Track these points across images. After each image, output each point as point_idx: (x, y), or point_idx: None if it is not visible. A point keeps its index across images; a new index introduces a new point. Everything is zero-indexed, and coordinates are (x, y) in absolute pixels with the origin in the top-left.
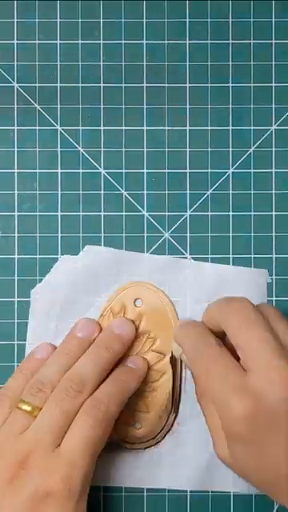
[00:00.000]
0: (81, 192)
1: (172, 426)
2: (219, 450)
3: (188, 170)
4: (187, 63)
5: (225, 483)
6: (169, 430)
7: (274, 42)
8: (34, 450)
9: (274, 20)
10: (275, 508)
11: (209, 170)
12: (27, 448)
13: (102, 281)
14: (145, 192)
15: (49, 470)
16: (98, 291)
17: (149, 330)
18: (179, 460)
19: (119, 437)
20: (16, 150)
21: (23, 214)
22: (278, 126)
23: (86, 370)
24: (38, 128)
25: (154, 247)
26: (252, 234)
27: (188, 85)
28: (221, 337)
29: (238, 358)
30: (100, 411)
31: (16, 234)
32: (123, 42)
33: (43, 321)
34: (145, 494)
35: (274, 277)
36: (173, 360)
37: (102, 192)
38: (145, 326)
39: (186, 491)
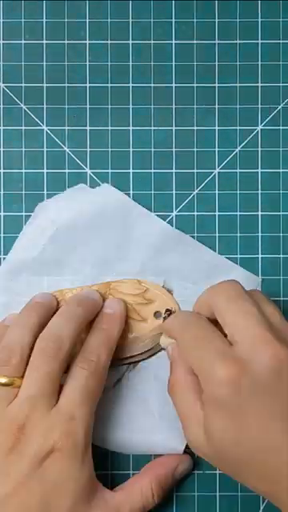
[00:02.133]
0: None
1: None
2: (191, 436)
3: (174, 170)
4: (173, 63)
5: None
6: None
7: (260, 42)
8: (28, 414)
9: (260, 20)
10: (261, 508)
11: (195, 170)
12: (22, 414)
13: (104, 221)
14: (131, 192)
15: (48, 429)
16: (97, 229)
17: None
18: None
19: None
20: (2, 150)
21: (9, 214)
22: (264, 126)
23: (60, 328)
24: (23, 128)
25: None
26: (238, 235)
27: (174, 85)
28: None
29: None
30: (92, 361)
31: (2, 235)
32: (109, 42)
33: (37, 234)
34: None
35: (260, 277)
36: None
37: None
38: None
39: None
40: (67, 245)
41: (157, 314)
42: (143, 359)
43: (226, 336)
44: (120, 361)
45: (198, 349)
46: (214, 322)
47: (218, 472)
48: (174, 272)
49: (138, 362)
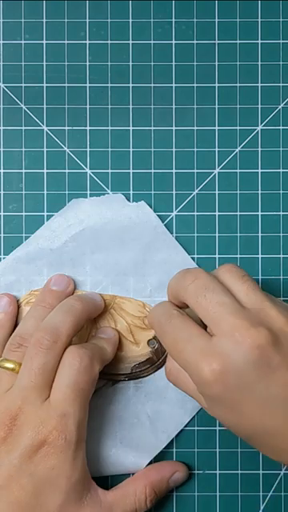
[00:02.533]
0: (67, 192)
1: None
2: (205, 407)
3: (174, 170)
4: (173, 63)
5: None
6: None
7: (260, 42)
8: (21, 406)
9: (260, 20)
10: (261, 508)
11: (195, 170)
12: (15, 405)
13: (129, 233)
14: (131, 192)
15: (41, 423)
16: (122, 241)
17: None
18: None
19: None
20: (2, 150)
21: (9, 214)
22: (264, 126)
23: (58, 321)
24: (23, 128)
25: None
26: (238, 234)
27: (174, 85)
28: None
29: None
30: (85, 356)
31: (2, 235)
32: (109, 42)
33: (60, 229)
34: None
35: (259, 277)
36: None
37: (88, 192)
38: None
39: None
40: (87, 248)
41: (150, 342)
42: (122, 380)
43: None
44: (102, 374)
45: (180, 352)
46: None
47: (217, 472)
48: (158, 279)
49: (117, 381)
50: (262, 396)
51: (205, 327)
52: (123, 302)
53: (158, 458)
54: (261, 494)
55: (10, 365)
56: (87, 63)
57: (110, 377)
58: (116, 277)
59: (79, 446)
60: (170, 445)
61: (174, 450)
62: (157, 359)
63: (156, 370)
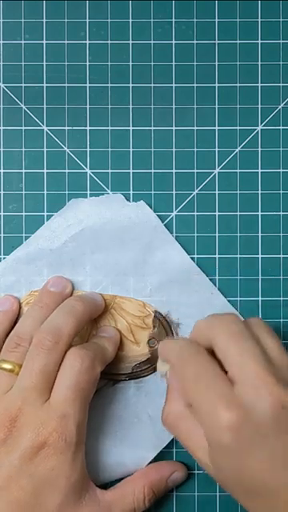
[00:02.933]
0: (67, 192)
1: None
2: (200, 458)
3: (174, 170)
4: (173, 63)
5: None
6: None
7: (260, 42)
8: (21, 407)
9: (259, 20)
10: None
11: (195, 170)
12: (15, 406)
13: (129, 234)
14: (131, 192)
15: (41, 424)
16: (122, 245)
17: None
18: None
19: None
20: (2, 150)
21: (9, 214)
22: (264, 126)
23: (60, 322)
24: (23, 128)
25: None
26: (238, 234)
27: (174, 85)
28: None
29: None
30: (86, 357)
31: (2, 235)
32: (109, 42)
33: (60, 229)
34: None
35: (259, 277)
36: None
37: (88, 192)
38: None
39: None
40: (87, 248)
41: (150, 342)
42: (122, 380)
43: (225, 371)
44: (103, 374)
45: (199, 390)
46: (211, 351)
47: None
48: (176, 305)
49: (117, 381)
50: (274, 452)
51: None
52: (123, 302)
53: (157, 458)
54: None
55: (8, 366)
56: (87, 63)
57: (110, 377)
58: (116, 277)
59: (79, 447)
60: (170, 445)
61: (174, 450)
62: (157, 359)
63: (156, 370)
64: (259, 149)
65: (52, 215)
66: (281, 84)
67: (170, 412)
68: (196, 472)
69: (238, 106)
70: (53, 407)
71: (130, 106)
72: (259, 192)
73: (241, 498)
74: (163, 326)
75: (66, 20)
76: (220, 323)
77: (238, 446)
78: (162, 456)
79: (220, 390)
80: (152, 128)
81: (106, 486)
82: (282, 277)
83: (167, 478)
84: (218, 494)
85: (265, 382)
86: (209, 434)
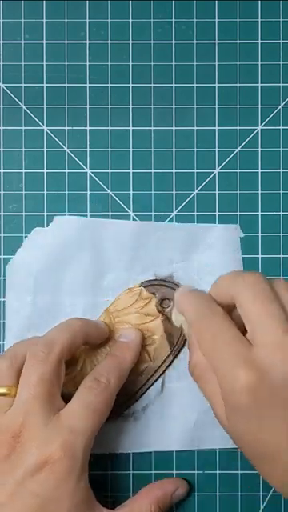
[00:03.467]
0: (67, 192)
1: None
2: (219, 415)
3: (174, 170)
4: (173, 63)
5: (212, 441)
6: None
7: (260, 42)
8: (24, 421)
9: (259, 20)
10: (261, 509)
11: (195, 170)
12: (17, 421)
13: (74, 249)
14: (131, 192)
15: (46, 440)
16: (72, 260)
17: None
18: (166, 421)
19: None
20: (2, 150)
21: (9, 214)
22: (264, 126)
23: (53, 335)
24: (23, 128)
25: None
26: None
27: (174, 85)
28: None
29: (243, 332)
30: (100, 382)
31: (2, 235)
32: (109, 42)
33: (19, 295)
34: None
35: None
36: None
37: (88, 192)
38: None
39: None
40: (52, 287)
41: (163, 304)
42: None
43: (243, 329)
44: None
45: (217, 350)
46: (227, 308)
47: (218, 472)
48: (158, 261)
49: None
50: (285, 415)
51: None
52: (115, 305)
53: (157, 458)
54: (261, 493)
55: (2, 390)
56: (87, 63)
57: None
58: (92, 288)
59: (84, 464)
60: (170, 465)
61: (174, 450)
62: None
63: (174, 357)
64: (259, 149)
65: (52, 215)
66: (281, 84)
67: (197, 362)
68: (196, 472)
69: (238, 106)
70: (60, 422)
71: (130, 106)
72: (259, 192)
73: (255, 461)
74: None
75: (66, 20)
76: (244, 281)
77: (254, 408)
78: (162, 456)
79: (238, 351)
80: (152, 128)
81: (112, 505)
82: (282, 277)
83: (172, 494)
84: (217, 494)
85: (286, 345)
86: (225, 394)
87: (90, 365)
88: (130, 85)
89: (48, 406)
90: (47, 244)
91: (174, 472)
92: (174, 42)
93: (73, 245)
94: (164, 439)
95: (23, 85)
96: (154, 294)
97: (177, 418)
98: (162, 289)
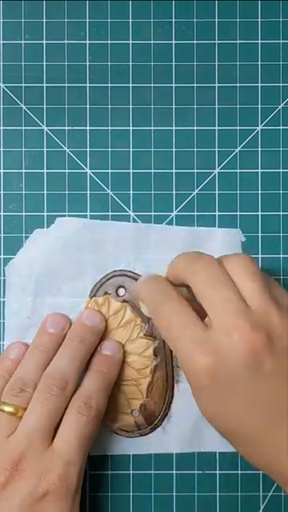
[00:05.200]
0: (67, 192)
1: (169, 409)
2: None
3: (174, 170)
4: (173, 63)
5: (211, 444)
6: (166, 414)
7: (260, 42)
8: (25, 451)
9: (259, 20)
10: (261, 508)
11: (195, 170)
12: (18, 450)
13: (75, 251)
14: (131, 192)
15: (44, 470)
16: (72, 262)
17: (135, 317)
18: (165, 424)
19: (117, 426)
20: (2, 150)
21: (9, 214)
22: (264, 126)
23: (65, 367)
24: (23, 128)
25: None
26: None
27: (174, 85)
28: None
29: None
30: (91, 408)
31: (2, 235)
32: (109, 42)
33: (19, 296)
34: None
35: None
36: (164, 344)
37: (88, 192)
38: (130, 314)
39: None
40: (52, 288)
41: (119, 291)
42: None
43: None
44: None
45: (174, 336)
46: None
47: (218, 472)
48: (156, 267)
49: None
50: (248, 397)
51: (201, 312)
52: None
53: (158, 458)
54: (261, 494)
55: (9, 408)
56: (87, 63)
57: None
58: (90, 286)
59: (77, 493)
60: (170, 466)
61: (174, 452)
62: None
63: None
64: (259, 149)
65: (52, 215)
66: (281, 84)
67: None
68: (196, 472)
69: (238, 106)
70: (57, 454)
71: (130, 106)
72: (259, 192)
73: (232, 441)
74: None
75: (66, 20)
76: (197, 266)
77: (216, 390)
78: (161, 457)
79: (194, 335)
80: (152, 128)
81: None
82: (281, 276)
83: None
84: (218, 494)
85: (239, 329)
86: (189, 377)
87: None
88: (130, 85)
89: (48, 439)
90: (48, 245)
91: (174, 472)
92: (174, 41)
93: (73, 246)
94: (163, 442)
95: (23, 85)
96: (123, 300)
97: (175, 420)
98: (116, 280)
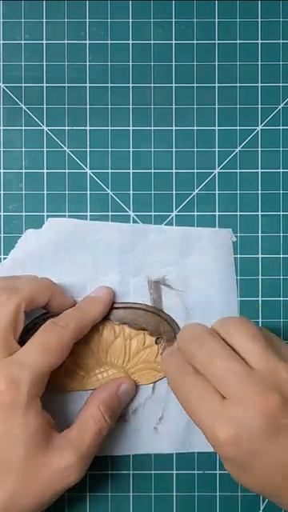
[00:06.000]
0: (67, 192)
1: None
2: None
3: (174, 170)
4: (173, 63)
5: (203, 444)
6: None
7: (260, 42)
8: None
9: (259, 20)
10: (261, 508)
11: (195, 170)
12: None
13: (67, 252)
14: (131, 192)
15: None
16: (64, 262)
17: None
18: (157, 424)
19: None
20: (2, 150)
21: (9, 214)
22: (264, 126)
23: (18, 282)
24: (23, 128)
25: None
26: (238, 234)
27: (174, 85)
28: None
29: None
30: (57, 325)
31: (2, 235)
32: (109, 42)
33: None
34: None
35: (260, 277)
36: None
37: (88, 192)
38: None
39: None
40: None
41: (157, 340)
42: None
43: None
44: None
45: (193, 412)
46: None
47: (218, 472)
48: (149, 266)
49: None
50: (272, 459)
51: None
52: (132, 332)
53: (158, 458)
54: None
55: None
56: (87, 63)
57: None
58: (84, 290)
59: (31, 399)
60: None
61: (166, 453)
62: None
63: None
64: (259, 149)
65: (52, 215)
66: (281, 84)
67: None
68: (196, 472)
69: (238, 106)
70: (11, 360)
71: (130, 106)
72: (259, 192)
73: (268, 498)
74: (168, 324)
75: (66, 20)
76: (192, 345)
77: (240, 457)
78: (160, 457)
79: (211, 408)
80: (152, 128)
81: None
82: (281, 277)
83: (116, 392)
84: (218, 494)
85: (250, 396)
86: (214, 448)
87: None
88: (130, 85)
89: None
90: (40, 245)
91: (174, 472)
92: (174, 41)
93: (65, 247)
94: (155, 442)
95: (23, 85)
96: (158, 336)
97: (167, 421)
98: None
